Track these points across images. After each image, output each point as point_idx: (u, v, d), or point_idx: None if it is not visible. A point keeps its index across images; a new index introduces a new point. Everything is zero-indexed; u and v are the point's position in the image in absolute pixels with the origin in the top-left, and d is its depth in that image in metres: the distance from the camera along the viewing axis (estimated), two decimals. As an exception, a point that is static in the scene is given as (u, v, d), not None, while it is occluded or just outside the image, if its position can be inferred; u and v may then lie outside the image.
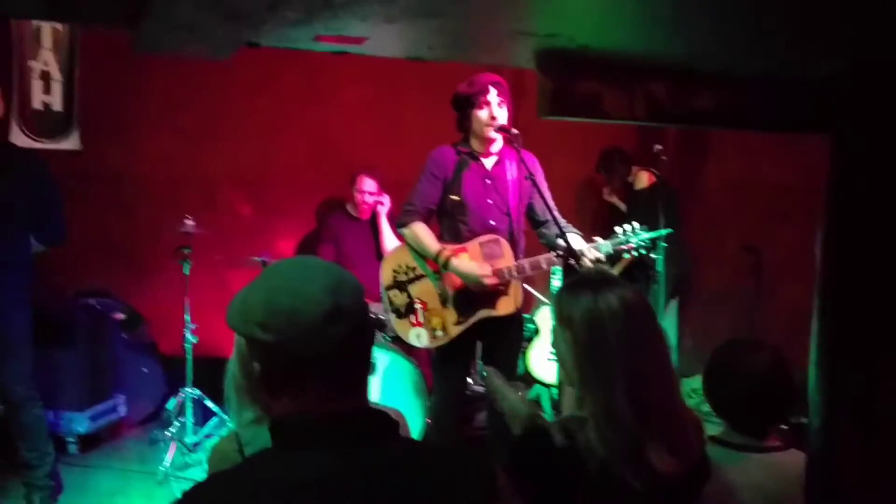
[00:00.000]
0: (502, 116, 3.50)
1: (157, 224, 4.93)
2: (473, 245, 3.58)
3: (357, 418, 1.20)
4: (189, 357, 4.63)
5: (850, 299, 1.60)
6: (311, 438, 1.18)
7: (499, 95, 3.49)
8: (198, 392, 4.63)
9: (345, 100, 5.77)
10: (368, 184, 5.20)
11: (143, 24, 1.14)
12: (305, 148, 5.71)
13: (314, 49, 1.50)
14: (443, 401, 3.77)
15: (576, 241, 3.48)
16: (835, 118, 1.73)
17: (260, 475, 1.17)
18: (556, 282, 4.92)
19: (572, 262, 3.25)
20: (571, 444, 1.62)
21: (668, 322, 5.84)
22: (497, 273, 3.51)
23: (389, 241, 5.09)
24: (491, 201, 3.60)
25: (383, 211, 5.22)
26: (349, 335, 1.19)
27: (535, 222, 3.74)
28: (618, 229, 3.60)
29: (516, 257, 3.56)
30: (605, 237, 3.57)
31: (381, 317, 3.89)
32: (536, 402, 5.07)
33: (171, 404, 4.70)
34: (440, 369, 3.76)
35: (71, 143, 5.08)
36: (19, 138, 4.78)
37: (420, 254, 3.61)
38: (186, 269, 4.60)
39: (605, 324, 1.67)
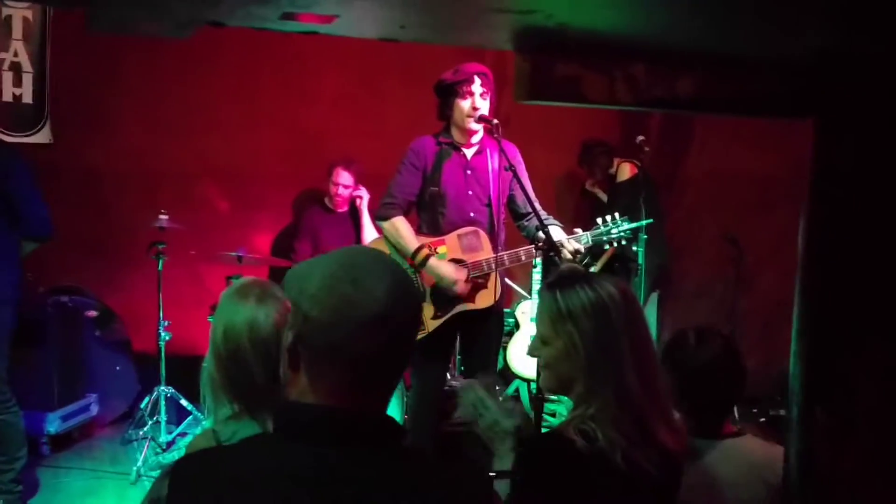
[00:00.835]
0: (484, 107, 3.47)
1: (130, 219, 4.85)
2: (452, 238, 3.54)
3: (364, 421, 1.18)
4: (163, 354, 4.54)
5: (831, 289, 1.58)
6: (315, 432, 1.14)
7: (483, 86, 3.46)
8: (172, 390, 4.54)
9: (322, 91, 5.70)
10: (344, 176, 5.13)
11: (98, 1, 1.07)
12: (282, 141, 5.63)
13: (281, 29, 1.44)
14: (421, 396, 3.72)
15: (556, 232, 3.45)
16: (818, 102, 1.69)
17: (256, 458, 1.15)
18: (537, 275, 4.90)
19: (552, 254, 3.21)
20: (593, 445, 1.62)
21: (649, 314, 5.82)
22: (475, 266, 3.47)
23: (370, 234, 5.03)
24: (471, 192, 3.57)
25: (363, 204, 5.16)
26: (389, 341, 1.16)
27: (516, 214, 3.70)
28: (599, 220, 3.58)
29: (496, 249, 3.52)
30: (586, 229, 3.54)
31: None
32: (515, 399, 5.03)
33: (145, 403, 4.62)
34: (418, 364, 3.70)
35: (42, 136, 4.97)
36: (-12, 132, 4.67)
37: (397, 249, 3.56)
38: (160, 265, 4.51)
39: (610, 310, 1.70)
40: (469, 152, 3.59)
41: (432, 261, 3.46)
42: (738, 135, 5.58)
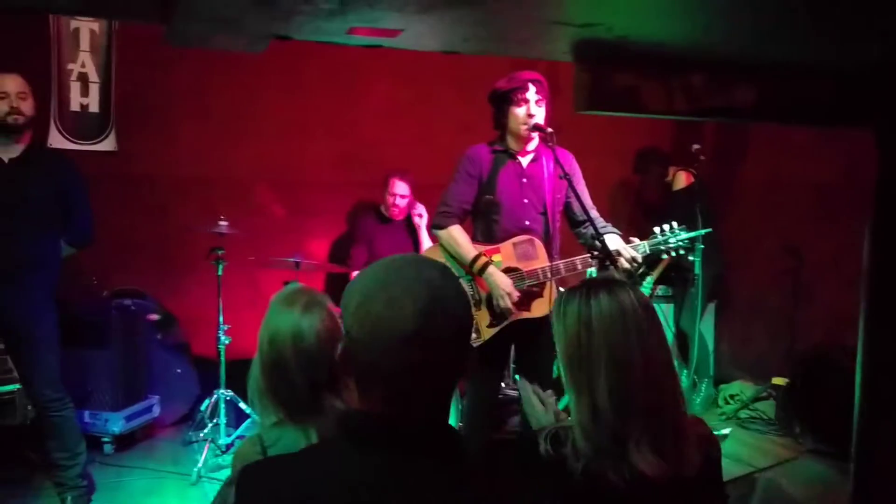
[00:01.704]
0: (539, 115, 3.45)
1: (189, 224, 4.97)
2: (507, 246, 3.54)
3: (424, 431, 1.19)
4: (222, 358, 4.64)
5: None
6: (376, 441, 1.17)
7: (537, 93, 3.44)
8: (231, 393, 4.64)
9: (376, 100, 5.77)
10: (400, 186, 5.18)
11: (177, 17, 1.12)
12: (336, 148, 5.72)
13: (347, 43, 1.47)
14: (475, 404, 3.73)
15: (614, 241, 3.42)
16: (879, 110, 1.67)
17: (318, 465, 1.18)
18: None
19: (608, 262, 3.20)
20: (556, 452, 1.65)
21: (705, 327, 5.75)
22: (531, 274, 3.47)
23: (426, 243, 5.07)
24: (527, 201, 3.55)
25: (422, 223, 5.20)
26: (421, 363, 1.16)
27: (573, 222, 3.68)
28: (656, 229, 3.54)
29: (551, 257, 3.50)
30: (641, 237, 3.52)
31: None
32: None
33: (205, 405, 4.72)
34: (473, 372, 3.71)
35: (107, 144, 5.14)
36: (57, 140, 4.86)
37: (454, 256, 3.58)
38: (220, 270, 4.62)
39: (592, 325, 1.70)
40: (525, 160, 3.58)
41: (491, 269, 3.45)
42: (795, 143, 5.47)
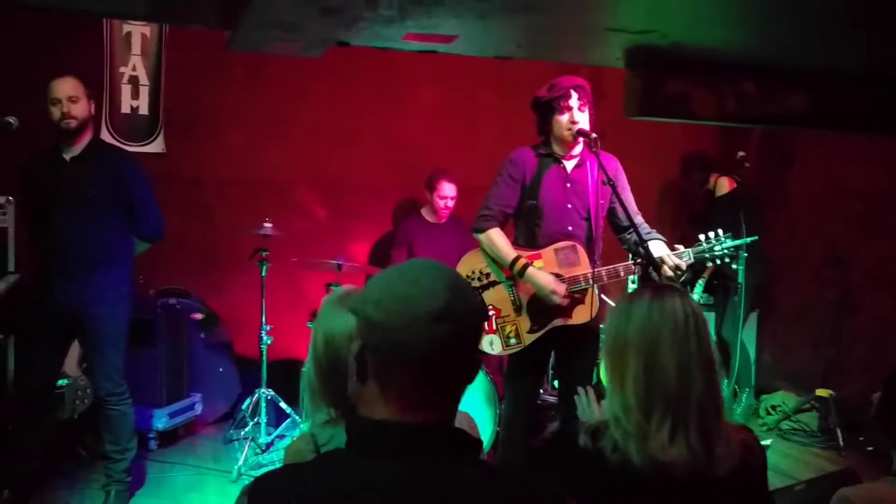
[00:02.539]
0: (583, 120, 3.42)
1: (234, 225, 5.03)
2: (549, 251, 3.52)
3: (437, 434, 1.19)
4: (264, 358, 4.70)
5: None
6: (387, 447, 1.17)
7: (580, 99, 3.42)
8: (272, 392, 4.70)
9: (419, 103, 5.80)
10: (448, 188, 5.17)
11: (242, 23, 1.15)
12: (379, 151, 5.75)
13: (403, 48, 1.50)
14: (514, 409, 3.71)
15: (658, 248, 3.40)
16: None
17: (330, 475, 1.17)
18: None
19: (651, 269, 3.17)
20: (594, 444, 1.74)
21: (747, 336, 5.68)
22: (573, 280, 3.45)
23: None
24: (570, 206, 3.53)
25: None
26: (450, 339, 1.17)
27: (616, 227, 3.66)
28: (701, 237, 3.51)
29: (593, 263, 3.48)
30: (685, 244, 3.49)
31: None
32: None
33: (246, 404, 4.79)
34: (512, 377, 3.71)
35: (156, 146, 5.24)
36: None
37: (495, 260, 3.58)
38: (263, 271, 4.68)
39: (631, 320, 1.78)
40: (569, 164, 3.56)
41: (531, 269, 3.44)
42: (848, 150, 5.38)
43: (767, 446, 4.63)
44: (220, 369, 5.23)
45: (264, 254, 4.68)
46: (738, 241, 3.50)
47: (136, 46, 5.15)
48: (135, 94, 5.16)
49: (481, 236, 3.60)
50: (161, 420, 4.70)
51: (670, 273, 3.30)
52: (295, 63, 5.15)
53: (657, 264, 3.19)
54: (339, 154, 5.69)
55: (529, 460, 3.82)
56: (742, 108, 1.95)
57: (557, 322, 3.50)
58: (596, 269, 3.44)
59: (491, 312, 3.54)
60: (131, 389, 3.93)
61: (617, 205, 3.51)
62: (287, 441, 4.63)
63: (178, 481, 4.32)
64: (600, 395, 2.28)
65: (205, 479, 4.36)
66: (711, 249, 3.47)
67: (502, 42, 1.51)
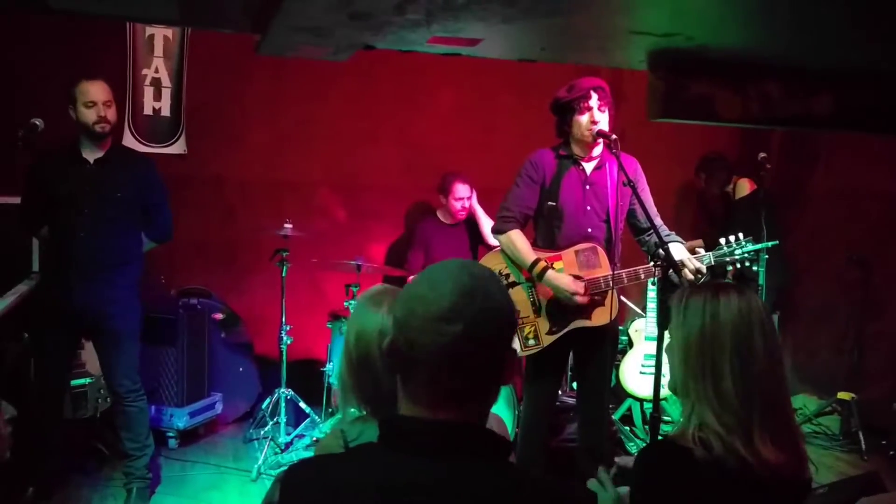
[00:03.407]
0: (603, 121, 3.42)
1: (255, 226, 5.06)
2: (569, 253, 3.52)
3: (464, 434, 1.19)
4: (284, 358, 4.73)
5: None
6: (414, 443, 1.18)
7: (600, 100, 3.42)
8: (291, 392, 4.73)
9: (436, 105, 5.81)
10: (463, 189, 5.17)
11: (272, 27, 1.17)
12: (398, 153, 5.77)
13: (427, 51, 1.51)
14: (532, 411, 3.72)
15: (678, 250, 3.38)
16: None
17: (361, 466, 1.20)
18: (652, 293, 4.83)
19: (671, 272, 3.16)
20: (710, 453, 1.66)
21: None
22: (593, 283, 3.45)
23: (487, 225, 5.05)
24: (590, 208, 3.53)
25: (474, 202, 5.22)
26: (458, 340, 1.16)
27: (636, 229, 3.66)
28: (722, 241, 3.50)
29: (613, 265, 3.47)
30: (705, 247, 3.48)
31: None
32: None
33: (266, 404, 4.82)
34: (531, 379, 3.71)
35: (178, 147, 5.29)
36: (130, 143, 5.03)
37: (514, 261, 3.58)
38: (284, 272, 4.70)
39: (720, 315, 1.73)
40: (589, 166, 3.56)
41: (550, 272, 3.44)
42: (871, 152, 5.34)
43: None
44: (241, 369, 5.27)
45: (285, 254, 4.71)
46: (758, 245, 3.49)
47: (159, 49, 5.20)
48: (157, 96, 5.21)
49: (502, 237, 3.60)
50: (181, 419, 4.74)
51: (691, 276, 3.28)
52: (315, 65, 5.20)
53: (678, 267, 3.18)
54: (359, 155, 5.71)
55: (548, 461, 3.82)
56: (766, 110, 1.95)
57: (577, 324, 3.50)
58: (616, 272, 3.43)
59: (510, 313, 3.52)
60: (152, 388, 3.97)
61: (637, 206, 3.50)
62: (306, 441, 4.65)
63: (198, 480, 4.35)
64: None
65: (225, 478, 4.39)
66: (732, 253, 3.46)
67: (526, 45, 1.51)
